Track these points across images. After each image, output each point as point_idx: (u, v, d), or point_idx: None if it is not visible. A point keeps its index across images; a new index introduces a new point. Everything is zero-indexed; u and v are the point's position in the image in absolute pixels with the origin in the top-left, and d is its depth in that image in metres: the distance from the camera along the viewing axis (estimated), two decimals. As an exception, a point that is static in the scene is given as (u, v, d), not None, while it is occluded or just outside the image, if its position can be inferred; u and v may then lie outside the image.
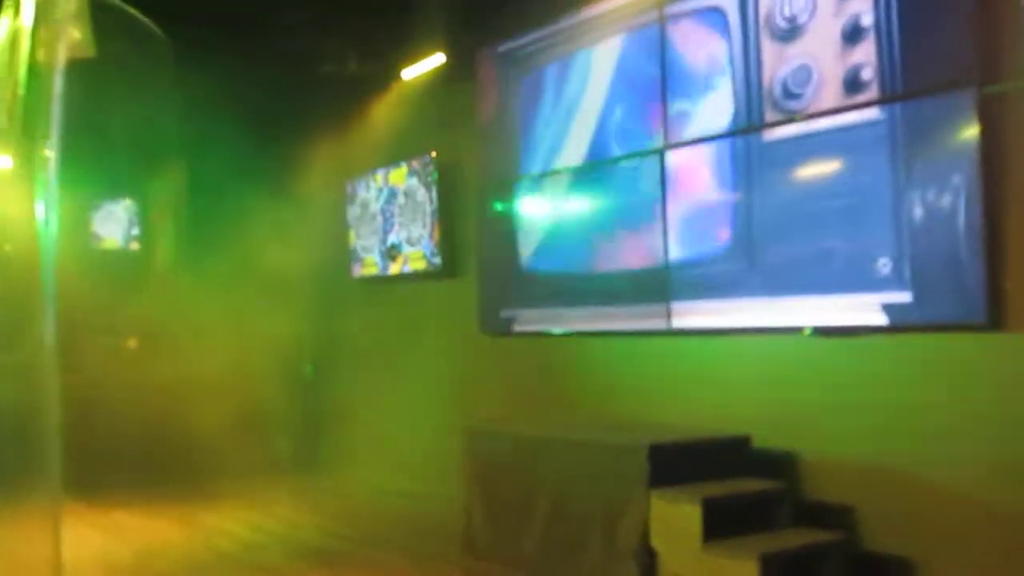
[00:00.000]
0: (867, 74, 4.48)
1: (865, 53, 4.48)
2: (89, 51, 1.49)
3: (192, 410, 6.93)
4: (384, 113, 8.01)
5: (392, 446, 7.91)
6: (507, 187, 6.77)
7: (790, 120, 4.81)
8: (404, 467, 7.69)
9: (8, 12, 1.36)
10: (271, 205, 8.09)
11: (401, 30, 7.40)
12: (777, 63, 4.87)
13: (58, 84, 1.45)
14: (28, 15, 1.37)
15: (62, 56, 1.43)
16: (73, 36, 1.42)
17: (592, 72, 6.07)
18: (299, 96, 8.15)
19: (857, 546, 4.46)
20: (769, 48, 4.91)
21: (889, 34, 4.37)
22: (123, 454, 7.81)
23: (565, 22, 6.28)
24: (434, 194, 7.43)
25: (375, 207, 8.15)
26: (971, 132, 4.12)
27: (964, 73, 4.12)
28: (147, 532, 6.34)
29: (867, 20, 4.45)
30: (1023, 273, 4.06)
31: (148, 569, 5.32)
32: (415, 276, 7.75)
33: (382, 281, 8.18)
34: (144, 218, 9.80)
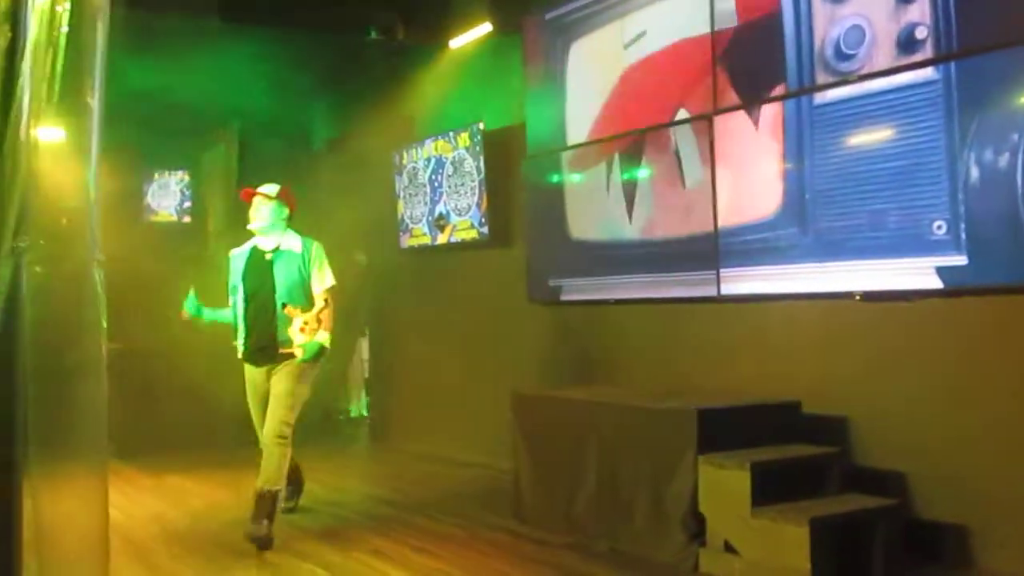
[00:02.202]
0: (922, 32, 4.38)
1: (920, 11, 4.37)
2: None
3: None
4: (432, 82, 8.01)
5: (442, 414, 7.96)
6: (554, 155, 6.74)
7: (843, 82, 4.72)
8: (454, 435, 7.74)
9: None
10: (320, 176, 8.14)
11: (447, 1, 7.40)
12: (829, 23, 4.78)
13: (101, 33, 1.46)
14: None
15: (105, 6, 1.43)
16: None
17: (640, 38, 6.01)
18: (347, 66, 8.18)
19: (910, 512, 4.42)
20: (820, 8, 4.82)
21: (944, -11, 4.27)
22: (173, 420, 7.98)
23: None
24: (482, 163, 7.43)
25: (423, 177, 8.17)
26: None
27: (1021, 29, 4.02)
28: (200, 496, 6.46)
29: (922, -23, 4.35)
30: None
31: (203, 531, 5.42)
32: (463, 245, 7.76)
33: (430, 251, 8.21)
34: (196, 191, 9.94)
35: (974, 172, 4.20)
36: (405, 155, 8.39)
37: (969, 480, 4.30)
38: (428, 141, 8.07)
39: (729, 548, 4.28)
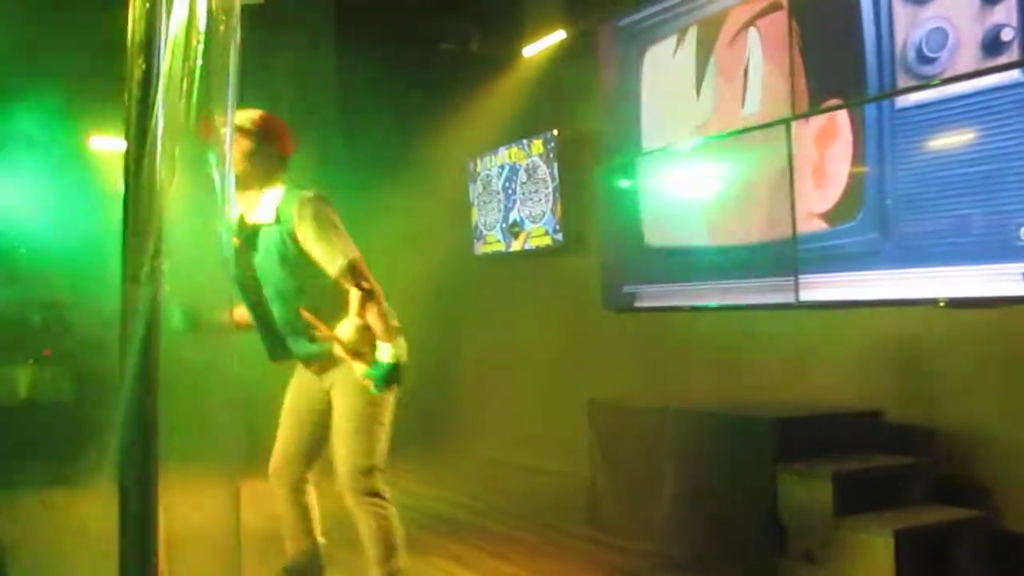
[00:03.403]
0: (1008, 34, 4.29)
1: (1005, 12, 4.29)
2: None
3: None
4: (506, 90, 8.06)
5: (515, 420, 8.00)
6: (630, 162, 6.73)
7: (926, 85, 4.64)
8: (526, 441, 7.77)
9: None
10: (396, 183, 8.24)
11: (522, 7, 7.44)
12: (910, 26, 4.71)
13: (234, 57, 1.52)
14: None
15: (238, 6, 1.49)
16: None
17: (715, 43, 5.98)
18: (422, 75, 8.27)
19: (997, 525, 4.32)
20: (901, 11, 4.75)
21: (1032, -6, 4.18)
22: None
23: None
24: (556, 170, 7.46)
25: (497, 184, 8.22)
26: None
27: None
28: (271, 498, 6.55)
29: (1007, -23, 4.27)
30: None
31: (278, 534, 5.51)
32: (537, 252, 7.79)
33: (504, 258, 8.26)
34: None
35: (1062, 177, 4.10)
36: (479, 163, 8.46)
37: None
38: (502, 149, 8.12)
39: (809, 558, 4.23)
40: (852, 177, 5.05)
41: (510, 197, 8.05)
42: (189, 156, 1.56)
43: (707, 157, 6.05)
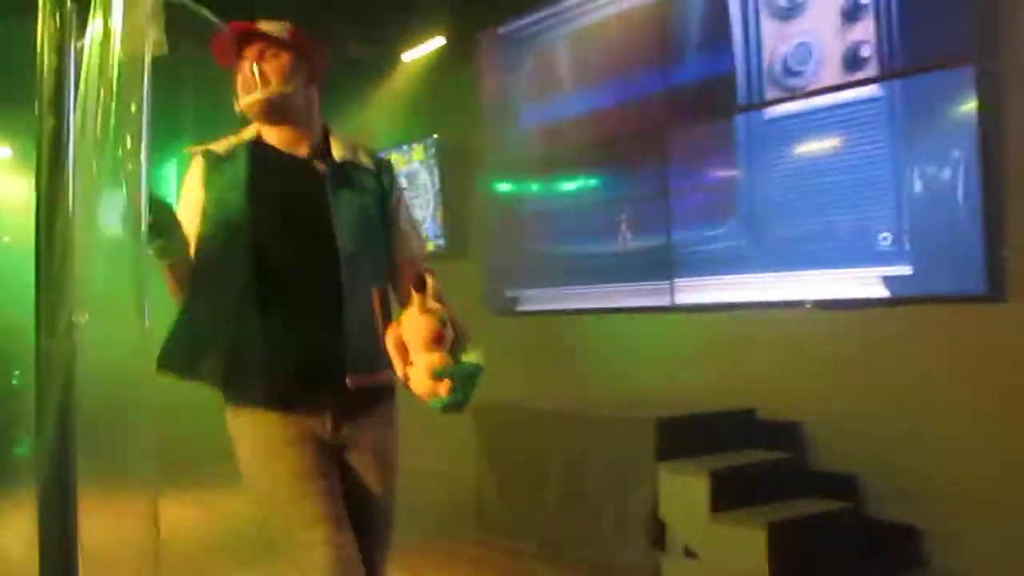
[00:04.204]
0: (866, 51, 4.55)
1: (864, 30, 4.55)
2: (163, 48, 1.55)
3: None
4: (385, 96, 8.05)
5: (402, 424, 7.98)
6: (510, 167, 6.83)
7: (791, 98, 4.88)
8: (413, 444, 7.74)
9: (98, 13, 1.41)
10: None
11: (401, 13, 7.44)
12: (778, 41, 4.94)
13: (147, 88, 1.52)
14: (116, 14, 1.42)
15: (148, 57, 1.49)
16: (152, 34, 1.48)
17: (593, 51, 6.13)
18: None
19: (864, 514, 4.57)
20: (770, 26, 4.98)
21: (888, 11, 4.45)
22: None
23: (564, 3, 6.33)
24: (436, 176, 7.50)
25: (378, 189, 8.20)
26: (970, 107, 4.20)
27: (963, 49, 4.20)
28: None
29: (866, -2, 4.53)
30: (1022, 244, 4.15)
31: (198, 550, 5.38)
32: (420, 258, 7.80)
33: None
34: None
35: (918, 185, 4.37)
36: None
37: (920, 481, 4.46)
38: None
39: (689, 553, 4.39)
40: (723, 185, 5.26)
41: (391, 202, 8.04)
42: (104, 205, 1.55)
43: (585, 163, 6.20)
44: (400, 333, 2.09)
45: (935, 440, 4.41)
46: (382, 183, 2.56)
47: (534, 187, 6.71)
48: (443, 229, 7.47)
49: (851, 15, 4.60)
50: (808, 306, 4.86)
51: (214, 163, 2.45)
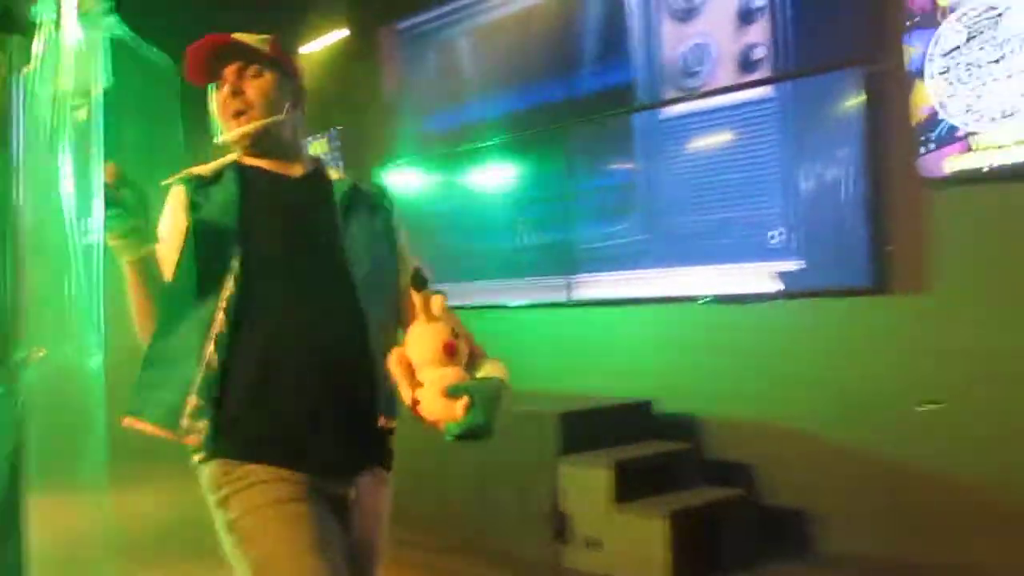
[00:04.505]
0: (760, 53, 4.70)
1: (758, 33, 4.70)
2: (108, 81, 1.53)
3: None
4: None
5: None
6: (412, 162, 6.83)
7: (688, 97, 5.01)
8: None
9: (40, 36, 1.39)
10: (144, 164, 7.94)
11: (301, 4, 7.37)
12: (676, 41, 5.06)
13: (91, 116, 1.50)
14: (69, 38, 1.40)
15: (96, 91, 1.47)
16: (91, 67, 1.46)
17: (494, 48, 6.17)
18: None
19: (758, 501, 4.73)
20: (669, 27, 5.10)
21: (781, 15, 4.60)
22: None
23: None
24: (340, 169, 7.43)
25: (277, 182, 8.11)
26: (857, 109, 4.38)
27: (851, 52, 4.37)
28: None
29: (760, 1, 4.67)
30: (905, 240, 4.35)
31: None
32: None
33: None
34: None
35: (808, 184, 4.54)
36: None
37: (806, 469, 4.65)
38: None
39: (592, 544, 4.48)
40: (622, 182, 5.37)
41: (292, 195, 7.96)
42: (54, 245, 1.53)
43: (486, 159, 6.24)
44: (404, 351, 1.77)
45: (821, 428, 4.59)
46: (386, 207, 2.28)
47: (437, 182, 6.73)
48: (345, 223, 7.43)
49: (746, 18, 4.74)
50: (704, 300, 4.99)
51: (198, 187, 2.12)
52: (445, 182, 6.64)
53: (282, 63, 2.22)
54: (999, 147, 3.95)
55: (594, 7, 5.48)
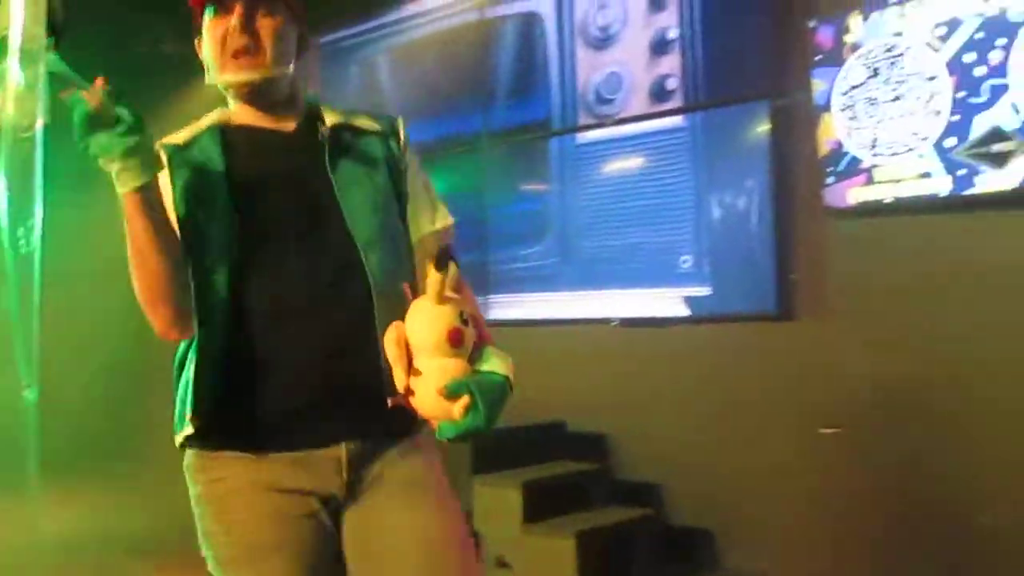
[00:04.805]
0: (672, 84, 4.82)
1: (671, 64, 4.82)
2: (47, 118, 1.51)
3: None
4: (203, 96, 7.79)
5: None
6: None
7: (602, 124, 5.11)
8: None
9: None
10: (91, 195, 7.78)
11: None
12: (591, 69, 5.16)
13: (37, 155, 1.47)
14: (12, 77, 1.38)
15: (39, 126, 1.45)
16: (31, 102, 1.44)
17: (412, 69, 6.20)
18: (115, 76, 7.85)
19: (667, 521, 4.82)
20: (584, 54, 5.19)
21: (693, 48, 4.73)
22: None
23: (386, 17, 6.37)
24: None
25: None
26: (763, 140, 4.52)
27: (760, 86, 4.52)
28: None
29: (673, 34, 4.80)
30: (809, 267, 4.50)
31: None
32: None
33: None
34: None
35: (716, 211, 4.67)
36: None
37: (714, 488, 4.75)
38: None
39: (503, 564, 4.52)
40: (537, 206, 5.44)
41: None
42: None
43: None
44: (403, 331, 1.57)
45: (730, 448, 4.70)
46: (390, 147, 1.99)
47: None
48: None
49: (659, 49, 4.86)
50: (615, 323, 5.08)
51: (175, 154, 1.90)
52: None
53: (295, 7, 1.97)
54: (898, 180, 4.11)
55: (512, 33, 5.56)
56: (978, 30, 3.87)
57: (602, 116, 5.11)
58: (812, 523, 4.39)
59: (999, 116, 3.81)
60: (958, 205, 4.01)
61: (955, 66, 3.93)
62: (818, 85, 4.35)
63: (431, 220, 2.05)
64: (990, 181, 3.85)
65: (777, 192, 4.50)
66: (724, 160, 4.65)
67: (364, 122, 1.99)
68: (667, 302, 4.85)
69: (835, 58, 4.29)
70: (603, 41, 5.09)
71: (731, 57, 4.62)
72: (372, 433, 1.81)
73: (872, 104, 4.18)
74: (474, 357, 1.61)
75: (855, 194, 4.25)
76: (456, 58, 5.92)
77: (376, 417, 1.76)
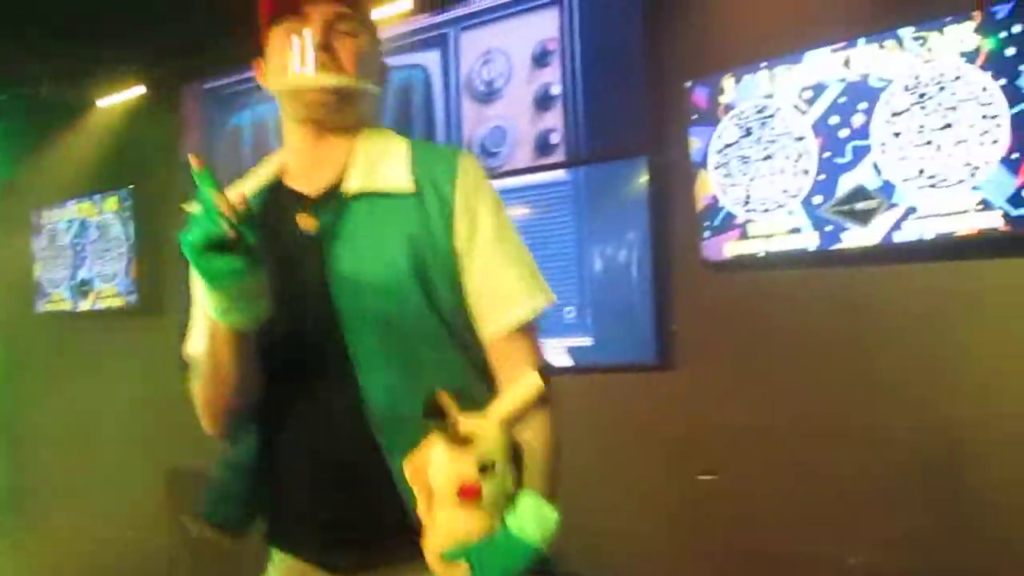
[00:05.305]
0: (555, 138, 4.93)
1: (554, 119, 4.93)
2: None
3: None
4: (79, 141, 7.66)
5: (91, 492, 7.53)
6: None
7: (487, 176, 5.17)
8: (104, 513, 7.34)
9: None
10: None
11: (100, 57, 7.15)
12: (476, 123, 5.23)
13: None
14: None
15: None
16: None
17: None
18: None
19: (545, 567, 4.82)
20: (469, 108, 5.27)
21: (575, 104, 4.85)
22: None
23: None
24: (132, 229, 7.21)
25: (64, 239, 7.77)
26: (643, 194, 4.65)
27: (640, 143, 4.66)
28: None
29: (556, 90, 4.91)
30: (688, 318, 4.63)
31: None
32: (110, 313, 7.45)
33: (73, 318, 7.80)
34: None
35: (598, 264, 4.77)
36: (45, 215, 7.95)
37: (594, 535, 4.78)
38: (71, 202, 7.69)
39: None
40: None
41: (79, 254, 7.64)
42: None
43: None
44: (420, 465, 1.37)
45: (611, 495, 4.76)
46: (430, 208, 1.65)
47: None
48: (136, 284, 7.19)
49: (542, 104, 4.97)
50: (501, 372, 5.11)
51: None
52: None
53: (376, 31, 1.76)
54: (770, 235, 4.28)
55: (398, 84, 5.60)
56: (841, 94, 4.08)
57: (487, 169, 5.16)
58: (691, 571, 4.48)
59: (862, 176, 4.01)
60: (826, 259, 4.19)
61: (821, 128, 4.13)
62: (694, 143, 4.51)
63: (515, 309, 1.69)
64: (855, 237, 4.03)
65: (656, 245, 4.63)
66: (606, 213, 4.76)
67: (395, 179, 1.68)
68: (551, 353, 4.91)
69: (710, 118, 4.46)
70: (488, 95, 5.18)
71: (612, 114, 4.75)
72: (395, 560, 1.59)
73: (745, 162, 4.35)
74: (506, 504, 1.35)
75: (730, 248, 4.40)
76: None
77: (397, 545, 1.55)
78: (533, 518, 1.36)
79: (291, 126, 1.79)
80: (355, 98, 1.72)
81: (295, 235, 1.69)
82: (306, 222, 1.69)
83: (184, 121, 7.00)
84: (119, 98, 7.34)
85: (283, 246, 1.66)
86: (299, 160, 1.78)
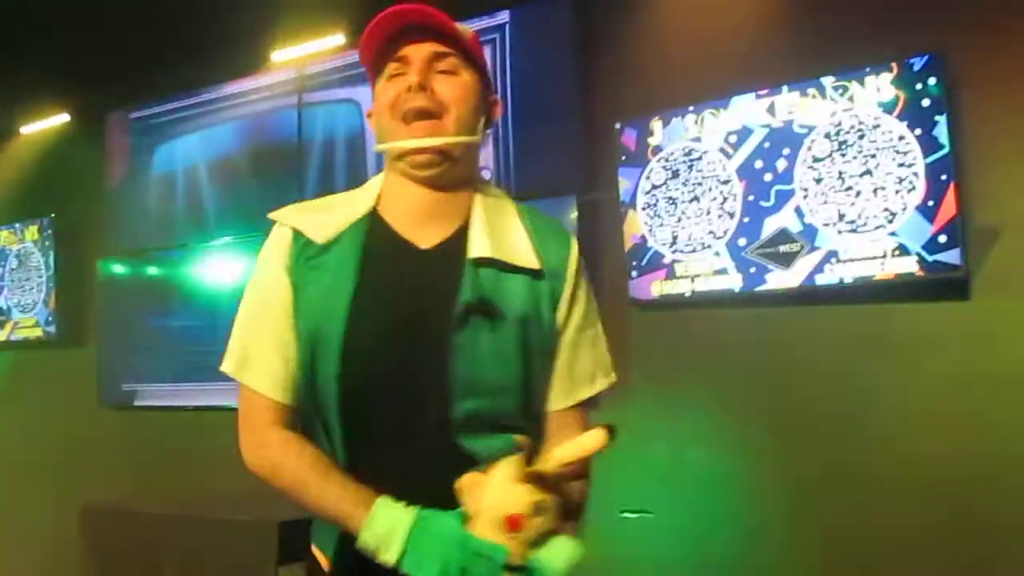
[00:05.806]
0: (486, 175, 4.95)
1: (484, 157, 4.96)
2: None
3: None
4: (1, 168, 7.50)
5: (2, 525, 7.28)
6: (134, 256, 6.59)
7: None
8: (13, 553, 7.11)
9: None
10: None
11: (24, 83, 7.01)
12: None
13: None
14: None
15: None
16: None
17: (219, 149, 6.14)
18: None
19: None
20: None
21: (506, 143, 4.89)
22: None
23: (201, 96, 6.31)
24: (52, 258, 7.05)
25: (-19, 268, 7.57)
26: (574, 233, 4.68)
27: (568, 182, 4.71)
28: None
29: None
30: (615, 356, 4.64)
31: None
32: (27, 344, 7.26)
33: (-13, 347, 7.59)
34: None
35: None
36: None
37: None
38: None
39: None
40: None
41: (-3, 283, 7.46)
42: None
43: (200, 260, 6.14)
44: (481, 482, 1.48)
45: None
46: (542, 293, 1.73)
47: (155, 277, 6.51)
48: (55, 315, 7.02)
49: (473, 142, 5.00)
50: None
51: (306, 252, 1.64)
52: (166, 278, 6.44)
53: (483, 66, 1.70)
54: (696, 276, 4.35)
55: (328, 120, 5.60)
56: (765, 139, 4.18)
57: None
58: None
59: (785, 219, 4.11)
60: (750, 300, 4.27)
61: (745, 171, 4.23)
62: (623, 183, 4.58)
63: (589, 385, 1.85)
64: (777, 279, 4.12)
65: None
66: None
67: (522, 254, 1.70)
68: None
69: (639, 159, 4.53)
70: (418, 130, 5.19)
71: (542, 153, 4.80)
72: None
73: (672, 203, 4.43)
74: (539, 541, 1.46)
75: (657, 287, 4.47)
76: (270, 144, 5.91)
77: None
78: (560, 555, 1.45)
79: (393, 175, 1.73)
80: (461, 151, 1.69)
81: (406, 285, 1.64)
82: (436, 271, 1.65)
83: (109, 150, 6.89)
84: (43, 125, 7.22)
85: (397, 290, 1.64)
86: (403, 207, 1.70)
